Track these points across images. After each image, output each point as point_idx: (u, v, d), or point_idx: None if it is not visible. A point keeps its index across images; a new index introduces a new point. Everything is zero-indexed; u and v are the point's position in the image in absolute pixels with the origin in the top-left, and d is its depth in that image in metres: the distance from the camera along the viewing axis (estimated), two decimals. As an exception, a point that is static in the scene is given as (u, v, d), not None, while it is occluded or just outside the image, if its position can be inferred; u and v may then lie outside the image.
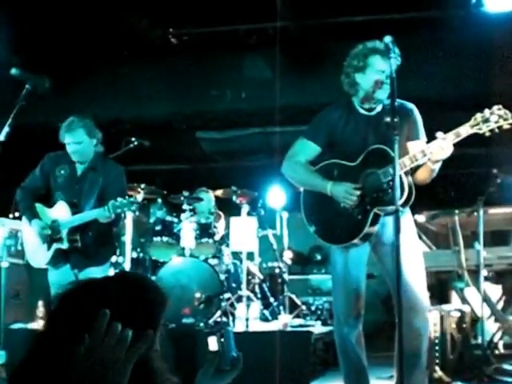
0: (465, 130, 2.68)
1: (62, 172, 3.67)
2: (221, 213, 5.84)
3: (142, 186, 5.18)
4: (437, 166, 2.78)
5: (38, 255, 3.68)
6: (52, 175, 3.68)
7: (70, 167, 3.68)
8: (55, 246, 3.61)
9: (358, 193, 2.85)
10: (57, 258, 3.62)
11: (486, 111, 2.66)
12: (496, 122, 2.63)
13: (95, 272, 3.59)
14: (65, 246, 3.59)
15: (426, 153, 2.73)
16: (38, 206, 3.69)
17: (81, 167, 3.68)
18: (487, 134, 2.66)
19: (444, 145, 2.67)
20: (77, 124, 3.57)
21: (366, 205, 2.86)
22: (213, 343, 1.51)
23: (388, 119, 2.51)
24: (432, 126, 2.90)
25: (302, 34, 5.60)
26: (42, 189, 3.72)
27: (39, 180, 3.71)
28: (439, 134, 2.68)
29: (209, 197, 5.82)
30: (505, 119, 2.63)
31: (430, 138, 2.80)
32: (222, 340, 1.50)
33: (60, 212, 3.62)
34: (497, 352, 4.38)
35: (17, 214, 5.08)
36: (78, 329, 1.04)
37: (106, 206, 3.39)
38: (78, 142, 3.58)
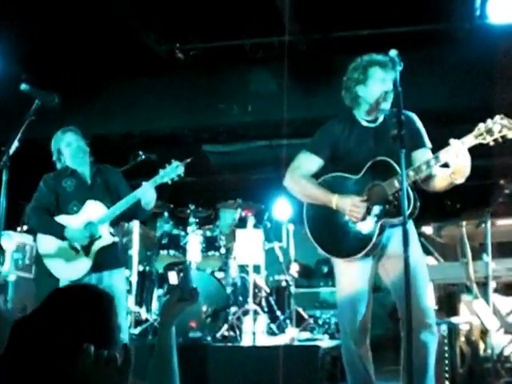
0: (469, 141, 2.66)
1: (69, 183, 3.62)
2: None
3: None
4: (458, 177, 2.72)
5: (75, 266, 3.50)
6: (59, 189, 3.61)
7: (75, 177, 3.64)
8: (96, 246, 3.48)
9: (365, 205, 2.84)
10: (96, 262, 3.49)
11: (489, 121, 2.65)
12: (499, 132, 2.62)
13: (118, 273, 3.56)
14: (108, 240, 3.49)
15: (431, 164, 2.73)
16: (63, 217, 3.56)
17: (87, 175, 3.66)
18: (491, 143, 2.64)
19: (458, 150, 2.63)
20: (69, 127, 3.67)
21: (371, 217, 2.85)
22: (173, 277, 1.69)
23: (395, 132, 2.51)
24: (437, 139, 2.91)
25: (308, 48, 5.64)
26: (51, 205, 3.61)
27: (48, 196, 3.61)
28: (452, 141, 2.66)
29: (228, 213, 5.77)
30: (509, 128, 2.61)
31: (435, 151, 2.80)
32: (182, 274, 1.66)
33: (90, 213, 3.52)
34: (507, 365, 4.33)
35: (25, 228, 5.07)
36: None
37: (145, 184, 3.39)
38: (79, 140, 3.62)
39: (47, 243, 3.57)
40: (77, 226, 3.50)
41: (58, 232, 3.49)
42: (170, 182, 3.45)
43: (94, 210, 3.53)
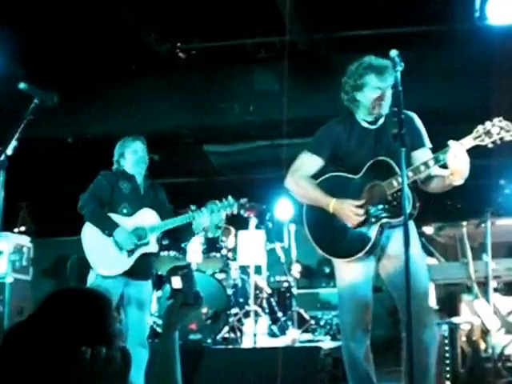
0: (467, 142, 2.66)
1: (125, 185, 3.72)
2: (231, 228, 5.81)
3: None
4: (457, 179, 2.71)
5: (114, 262, 3.57)
6: (116, 187, 3.70)
7: (132, 182, 3.75)
8: (141, 250, 3.59)
9: (362, 212, 2.83)
10: (134, 266, 3.57)
11: (488, 123, 2.65)
12: (498, 134, 2.62)
13: (147, 285, 3.68)
14: (153, 249, 3.64)
15: (430, 165, 2.72)
16: (113, 216, 3.63)
17: (142, 184, 3.78)
18: (490, 145, 2.65)
19: (457, 152, 2.63)
20: (139, 136, 3.80)
21: (370, 217, 2.84)
22: (176, 282, 1.65)
23: (395, 131, 2.49)
24: (437, 139, 2.90)
25: (310, 48, 5.64)
26: (106, 199, 3.67)
27: (105, 189, 3.68)
28: (451, 143, 2.66)
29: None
30: (507, 131, 2.62)
31: (434, 151, 2.79)
32: (185, 279, 1.66)
33: (143, 219, 3.64)
34: (508, 365, 4.31)
35: (22, 229, 5.02)
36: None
37: (203, 208, 3.63)
38: (145, 151, 3.75)
39: (94, 234, 3.62)
40: (127, 229, 3.59)
41: (109, 229, 3.56)
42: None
43: (147, 218, 3.66)
